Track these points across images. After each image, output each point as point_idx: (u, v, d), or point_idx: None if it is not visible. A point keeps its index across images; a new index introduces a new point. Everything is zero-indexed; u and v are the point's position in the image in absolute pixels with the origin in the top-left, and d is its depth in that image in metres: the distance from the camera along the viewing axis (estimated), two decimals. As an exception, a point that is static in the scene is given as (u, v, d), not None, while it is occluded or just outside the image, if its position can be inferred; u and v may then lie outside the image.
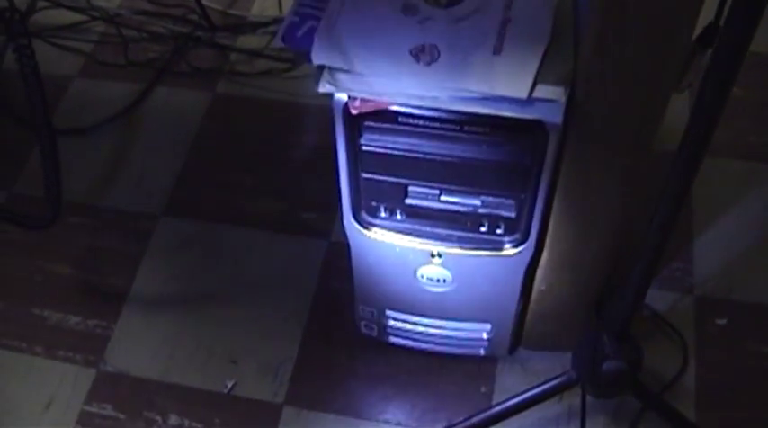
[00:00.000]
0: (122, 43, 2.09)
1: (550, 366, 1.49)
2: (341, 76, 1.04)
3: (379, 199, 1.22)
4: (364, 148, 1.14)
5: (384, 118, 1.08)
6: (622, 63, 0.99)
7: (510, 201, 1.17)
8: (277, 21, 2.08)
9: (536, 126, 1.04)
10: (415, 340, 1.50)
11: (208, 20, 2.09)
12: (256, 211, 1.76)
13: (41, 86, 1.29)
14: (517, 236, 1.22)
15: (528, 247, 1.23)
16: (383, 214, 1.24)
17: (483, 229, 1.22)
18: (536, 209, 1.17)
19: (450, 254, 1.26)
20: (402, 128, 1.09)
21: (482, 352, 1.50)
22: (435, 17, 1.06)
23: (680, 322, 1.55)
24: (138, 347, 1.58)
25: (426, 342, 1.50)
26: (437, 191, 1.19)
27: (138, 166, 1.87)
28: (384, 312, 1.46)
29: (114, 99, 1.97)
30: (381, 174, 1.18)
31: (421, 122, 1.07)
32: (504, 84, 1.00)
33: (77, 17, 2.14)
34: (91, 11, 2.14)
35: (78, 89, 2.02)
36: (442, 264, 1.29)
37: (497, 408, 1.40)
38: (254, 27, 2.11)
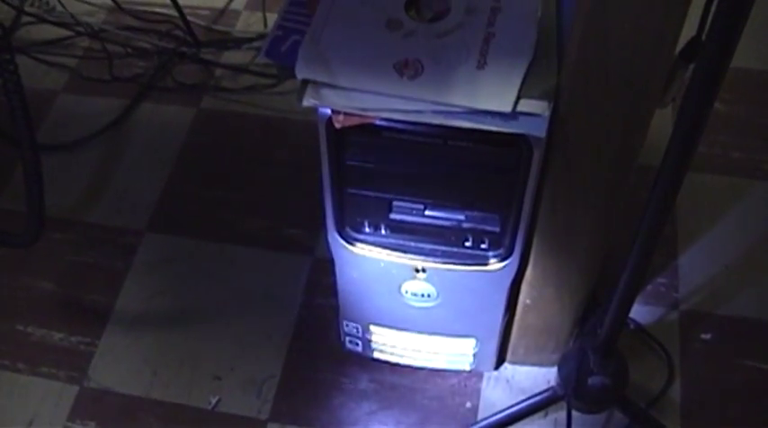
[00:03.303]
0: (107, 59, 2.09)
1: (536, 381, 1.49)
2: (325, 91, 1.04)
3: (363, 214, 1.22)
4: (348, 163, 1.13)
5: (368, 132, 1.07)
6: (605, 78, 0.99)
7: (494, 216, 1.17)
8: (262, 36, 2.08)
9: (520, 140, 1.04)
10: (399, 355, 1.50)
11: (193, 35, 2.09)
12: (241, 227, 1.76)
13: (25, 102, 1.29)
14: (502, 250, 1.22)
15: (512, 262, 1.23)
16: (367, 229, 1.24)
17: (467, 244, 1.22)
18: (520, 223, 1.17)
19: (434, 268, 1.26)
20: (386, 142, 1.09)
21: (467, 366, 1.50)
22: (419, 32, 1.07)
23: (665, 337, 1.55)
24: (122, 363, 1.58)
25: (411, 357, 1.49)
26: (421, 206, 1.19)
27: (122, 182, 1.86)
28: (368, 327, 1.45)
29: (99, 114, 1.97)
30: (366, 189, 1.18)
31: (405, 137, 1.07)
32: (487, 98, 1.00)
33: (62, 32, 2.14)
34: (76, 26, 2.14)
35: (63, 104, 2.02)
36: (427, 279, 1.29)
37: (482, 424, 1.40)
38: (239, 42, 2.11)
